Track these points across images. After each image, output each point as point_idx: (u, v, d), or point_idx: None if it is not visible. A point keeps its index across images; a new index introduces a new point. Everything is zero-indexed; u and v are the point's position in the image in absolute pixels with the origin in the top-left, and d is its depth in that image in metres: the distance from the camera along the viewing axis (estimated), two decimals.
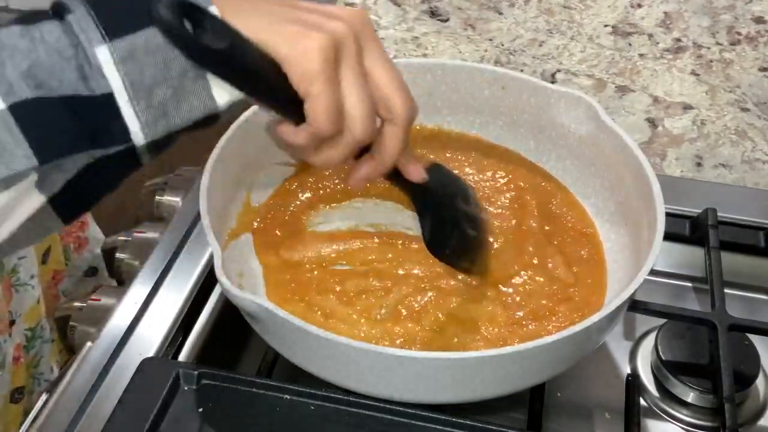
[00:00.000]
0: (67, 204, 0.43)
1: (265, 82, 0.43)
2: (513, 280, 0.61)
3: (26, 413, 0.82)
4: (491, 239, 0.64)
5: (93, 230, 1.02)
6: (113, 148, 0.41)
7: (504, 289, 0.60)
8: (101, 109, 0.40)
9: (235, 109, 0.44)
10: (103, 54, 0.39)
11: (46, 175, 0.41)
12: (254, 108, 0.63)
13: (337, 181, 0.69)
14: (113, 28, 0.39)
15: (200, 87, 0.42)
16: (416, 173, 0.53)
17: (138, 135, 0.41)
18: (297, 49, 0.43)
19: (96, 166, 0.42)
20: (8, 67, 0.38)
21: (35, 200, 0.42)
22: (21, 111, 0.38)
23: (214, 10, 0.41)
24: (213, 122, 0.44)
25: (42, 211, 0.42)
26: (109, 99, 0.40)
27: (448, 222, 0.58)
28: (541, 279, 0.61)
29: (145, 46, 0.40)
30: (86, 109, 0.40)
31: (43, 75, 0.39)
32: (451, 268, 0.60)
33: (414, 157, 0.53)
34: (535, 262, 0.62)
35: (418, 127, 0.71)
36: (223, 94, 0.43)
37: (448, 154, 0.71)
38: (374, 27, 0.47)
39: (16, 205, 0.41)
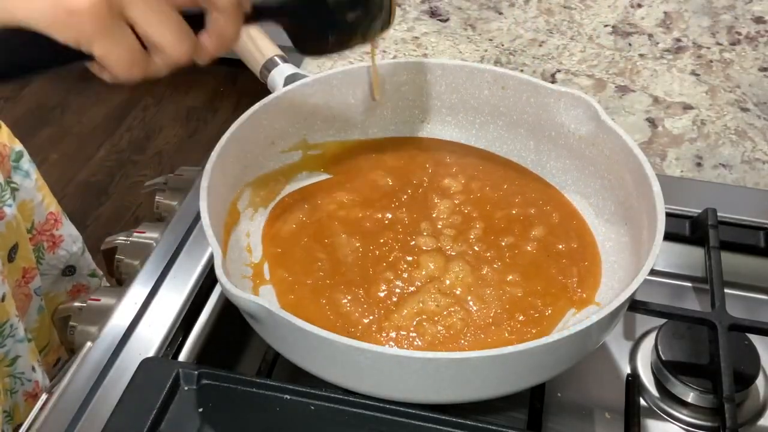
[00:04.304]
0: None
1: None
2: (511, 283, 0.61)
3: (5, 413, 0.81)
4: None
5: (67, 227, 0.98)
6: None
7: (502, 293, 0.60)
8: None
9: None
10: None
11: None
12: (254, 108, 0.63)
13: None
14: None
15: None
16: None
17: None
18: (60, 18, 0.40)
19: None
20: None
21: None
22: None
23: None
24: None
25: None
26: None
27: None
28: (541, 281, 0.61)
29: None
30: None
31: None
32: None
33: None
34: (535, 263, 0.62)
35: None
36: None
37: (448, 159, 0.71)
38: None
39: None
